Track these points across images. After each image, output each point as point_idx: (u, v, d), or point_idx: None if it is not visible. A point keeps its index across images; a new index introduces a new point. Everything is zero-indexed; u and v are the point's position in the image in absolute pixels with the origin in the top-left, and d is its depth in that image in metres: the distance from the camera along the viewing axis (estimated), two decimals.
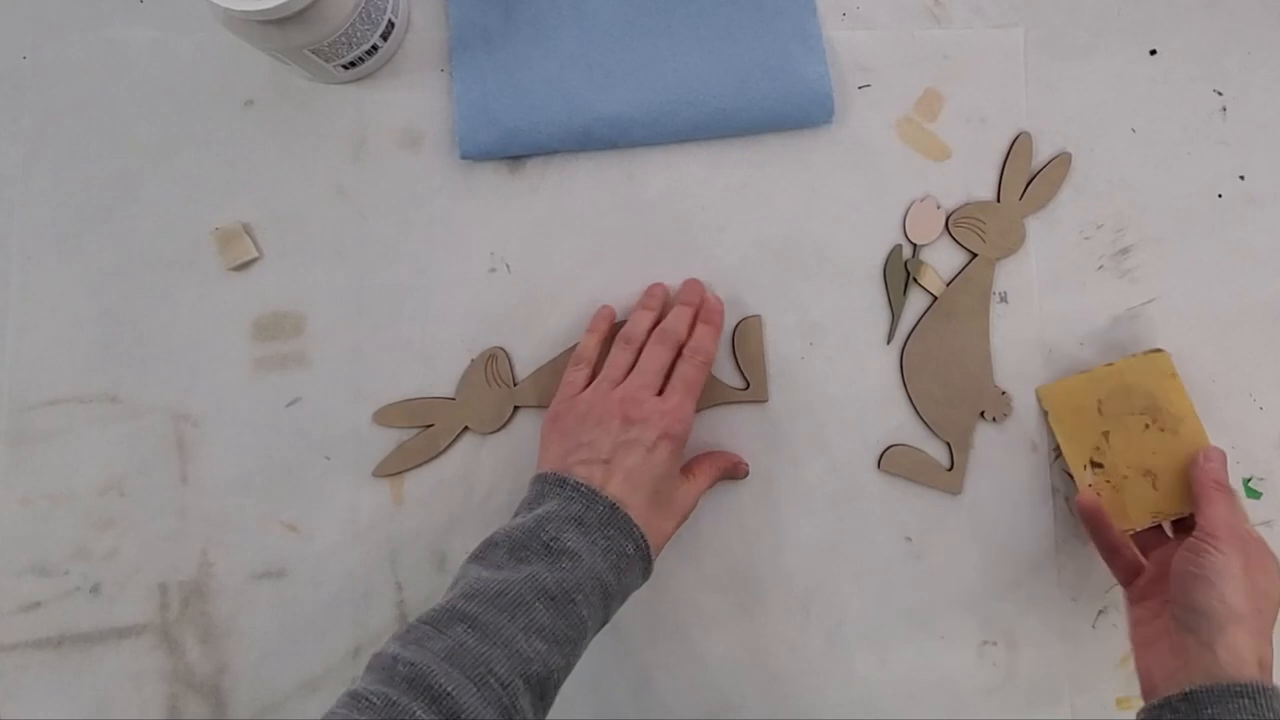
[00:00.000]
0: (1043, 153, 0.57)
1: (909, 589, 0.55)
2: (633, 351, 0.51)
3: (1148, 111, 0.58)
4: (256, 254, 0.54)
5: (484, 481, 0.54)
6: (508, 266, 0.55)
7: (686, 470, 0.51)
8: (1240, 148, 0.58)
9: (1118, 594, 0.56)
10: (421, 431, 0.54)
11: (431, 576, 0.54)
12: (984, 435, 0.56)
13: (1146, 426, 0.54)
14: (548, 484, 0.46)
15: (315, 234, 0.55)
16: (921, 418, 0.56)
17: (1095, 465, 0.54)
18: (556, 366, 0.55)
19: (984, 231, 0.56)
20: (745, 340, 0.55)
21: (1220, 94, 0.58)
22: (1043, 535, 0.56)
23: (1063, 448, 0.55)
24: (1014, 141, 0.57)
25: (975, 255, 0.56)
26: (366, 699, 0.37)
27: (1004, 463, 0.56)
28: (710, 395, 0.55)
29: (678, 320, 0.52)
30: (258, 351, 0.54)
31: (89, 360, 0.54)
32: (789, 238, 0.56)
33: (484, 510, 0.54)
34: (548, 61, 0.55)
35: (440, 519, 0.54)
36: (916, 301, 0.56)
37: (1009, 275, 0.57)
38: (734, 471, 0.54)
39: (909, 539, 0.56)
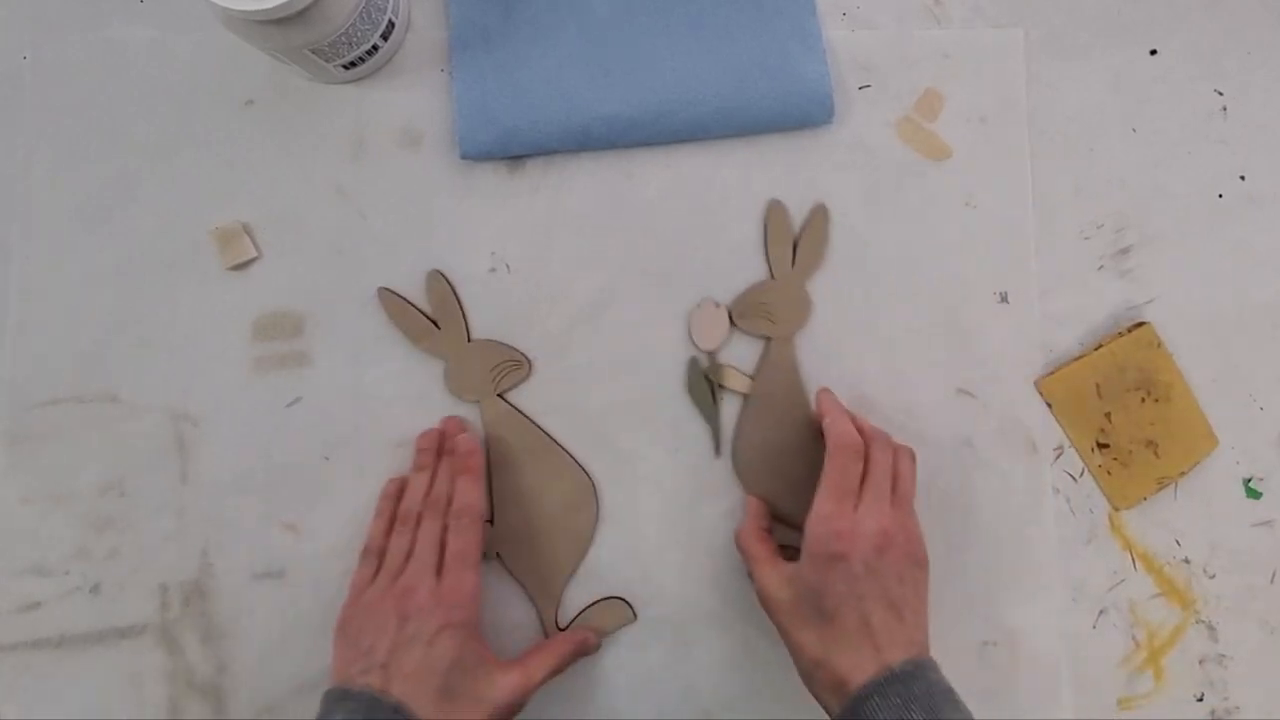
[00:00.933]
0: (1041, 150, 0.57)
1: None
2: (410, 532, 0.49)
3: (1148, 111, 0.58)
4: (256, 254, 0.54)
5: None
6: (507, 266, 0.55)
7: (514, 664, 0.48)
8: (1240, 148, 0.58)
9: (1118, 594, 0.56)
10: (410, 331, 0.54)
11: None
12: (984, 435, 0.56)
13: (1143, 400, 0.56)
14: (332, 699, 0.44)
15: (315, 234, 0.55)
16: (775, 516, 0.54)
17: (1101, 446, 0.56)
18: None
19: (770, 313, 0.55)
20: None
21: (1220, 94, 0.58)
22: (1043, 535, 0.56)
23: (1069, 434, 0.56)
24: (766, 215, 0.55)
25: (770, 339, 0.55)
26: None
27: (1004, 463, 0.56)
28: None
29: (441, 482, 0.50)
30: (257, 351, 0.54)
31: (89, 360, 0.54)
32: None
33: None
34: (547, 61, 0.55)
35: None
36: (733, 403, 0.55)
37: (1010, 275, 0.57)
38: (582, 650, 0.52)
39: None
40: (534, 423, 0.54)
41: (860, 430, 0.50)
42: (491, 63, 0.55)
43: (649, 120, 0.55)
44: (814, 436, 0.54)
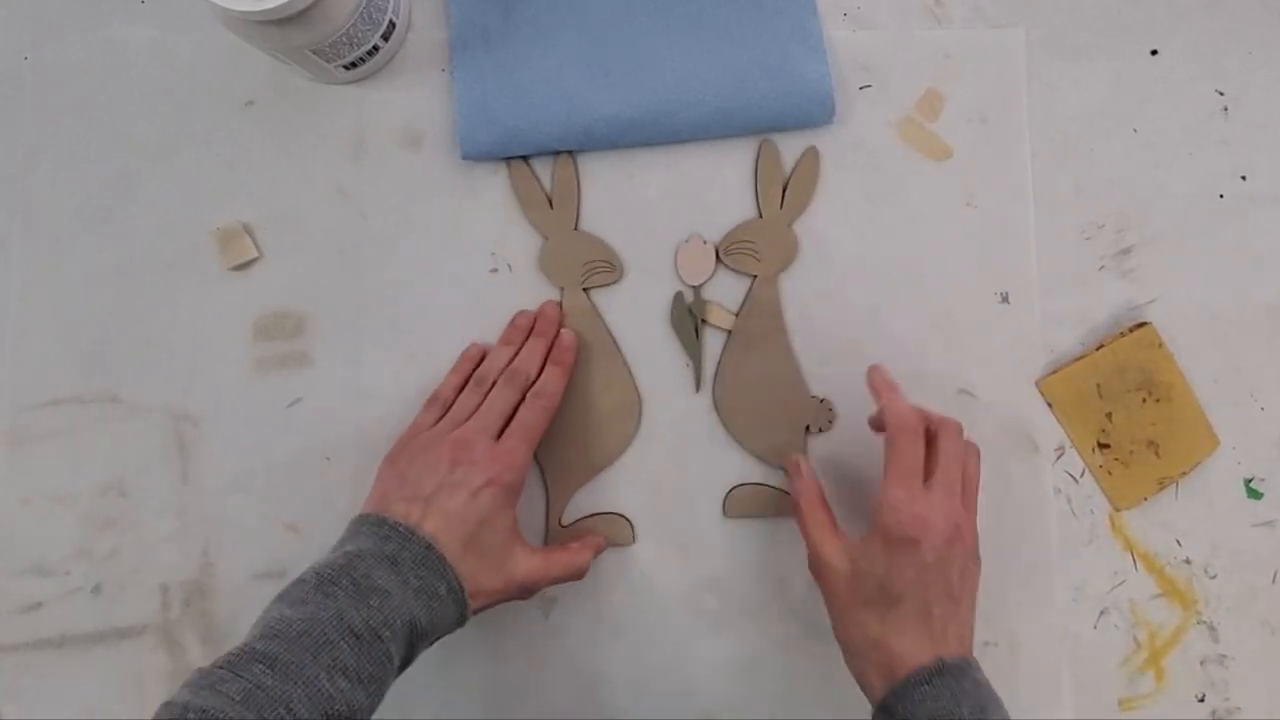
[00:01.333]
0: (1042, 150, 0.57)
1: None
2: (482, 394, 0.50)
3: (1148, 111, 0.58)
4: (256, 254, 0.54)
5: None
6: (509, 266, 0.55)
7: (537, 550, 0.49)
8: (1241, 148, 0.58)
9: (1119, 594, 0.56)
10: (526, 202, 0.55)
11: None
12: (985, 435, 0.56)
13: (1144, 400, 0.56)
14: (365, 524, 0.45)
15: (315, 234, 0.55)
16: (752, 453, 0.55)
17: (1103, 446, 0.56)
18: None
19: (756, 251, 0.55)
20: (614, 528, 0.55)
21: (1222, 94, 0.58)
22: (1043, 535, 0.56)
23: (1070, 434, 0.56)
24: (758, 155, 0.56)
25: (755, 277, 0.55)
26: None
27: (1004, 463, 0.56)
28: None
29: (528, 359, 0.51)
30: (258, 351, 0.54)
31: (89, 360, 0.54)
32: None
33: None
34: (547, 61, 0.55)
35: None
36: (715, 341, 0.55)
37: (1010, 275, 0.57)
38: (596, 552, 0.52)
39: None
40: (607, 326, 0.55)
41: (929, 419, 0.49)
42: (492, 63, 0.55)
43: (649, 120, 0.54)
44: (793, 377, 0.55)
